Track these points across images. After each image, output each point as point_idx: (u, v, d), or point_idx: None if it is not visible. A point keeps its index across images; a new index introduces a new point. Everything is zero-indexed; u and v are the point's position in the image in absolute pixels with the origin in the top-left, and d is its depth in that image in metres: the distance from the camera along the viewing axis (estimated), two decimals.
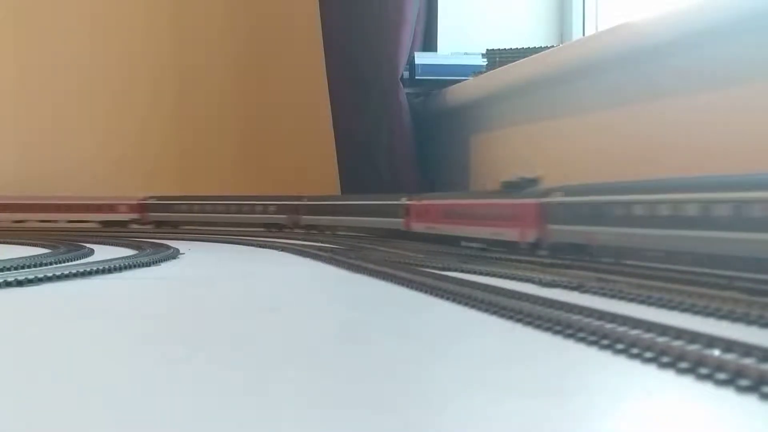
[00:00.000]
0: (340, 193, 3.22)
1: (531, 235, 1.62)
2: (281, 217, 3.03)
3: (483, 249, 1.80)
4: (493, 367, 0.72)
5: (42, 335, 0.93)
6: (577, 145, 2.22)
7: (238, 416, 0.56)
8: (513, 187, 1.72)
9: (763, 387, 0.58)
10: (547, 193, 1.60)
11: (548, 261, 1.50)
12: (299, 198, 3.00)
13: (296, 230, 2.94)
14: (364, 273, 1.48)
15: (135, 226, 3.38)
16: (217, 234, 2.84)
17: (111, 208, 3.44)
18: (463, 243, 1.95)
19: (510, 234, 1.70)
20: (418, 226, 2.23)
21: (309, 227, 2.90)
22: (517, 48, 2.66)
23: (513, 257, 1.59)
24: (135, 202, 3.44)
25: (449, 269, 1.45)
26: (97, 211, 3.45)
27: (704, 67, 1.73)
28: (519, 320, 0.89)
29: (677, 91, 1.82)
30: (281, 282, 1.55)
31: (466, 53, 2.87)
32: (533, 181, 1.67)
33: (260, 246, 2.31)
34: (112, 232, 3.00)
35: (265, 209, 3.11)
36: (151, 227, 3.33)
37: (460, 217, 1.98)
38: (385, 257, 1.73)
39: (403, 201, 2.32)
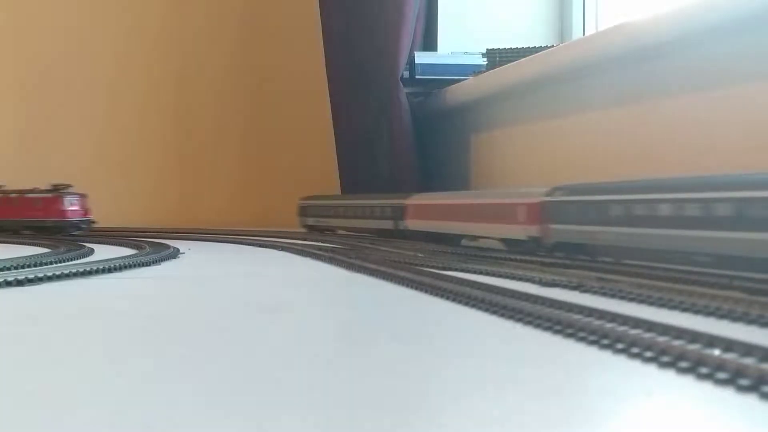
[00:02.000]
0: (340, 193, 3.21)
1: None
2: None
3: (482, 249, 1.80)
4: (492, 366, 0.72)
5: (42, 335, 0.93)
6: (577, 145, 2.22)
7: (239, 416, 0.56)
8: None
9: (763, 386, 0.58)
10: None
11: (548, 261, 1.50)
12: None
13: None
14: (364, 273, 1.48)
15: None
16: (217, 234, 2.84)
17: (511, 215, 1.74)
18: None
19: None
20: None
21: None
22: (517, 48, 2.66)
23: (513, 257, 1.59)
24: (536, 200, 1.65)
25: (449, 269, 1.45)
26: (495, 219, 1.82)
27: (704, 67, 1.73)
28: (519, 320, 0.89)
29: (677, 91, 1.82)
30: (281, 282, 1.55)
31: (466, 53, 2.87)
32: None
33: (260, 246, 2.31)
34: (111, 232, 3.00)
35: None
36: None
37: None
38: (385, 257, 1.73)
39: None
